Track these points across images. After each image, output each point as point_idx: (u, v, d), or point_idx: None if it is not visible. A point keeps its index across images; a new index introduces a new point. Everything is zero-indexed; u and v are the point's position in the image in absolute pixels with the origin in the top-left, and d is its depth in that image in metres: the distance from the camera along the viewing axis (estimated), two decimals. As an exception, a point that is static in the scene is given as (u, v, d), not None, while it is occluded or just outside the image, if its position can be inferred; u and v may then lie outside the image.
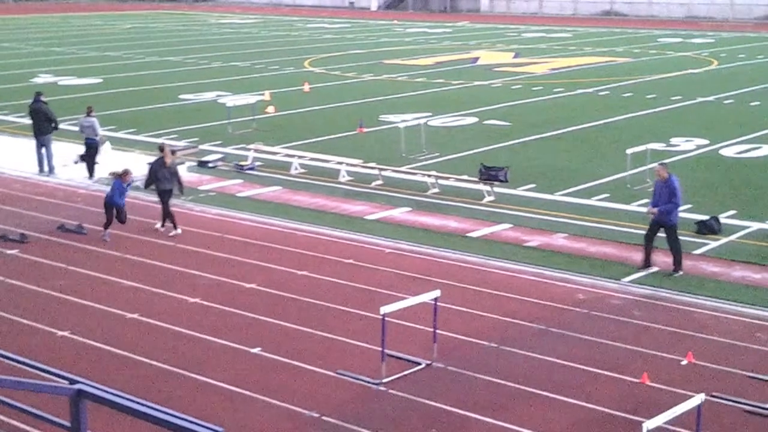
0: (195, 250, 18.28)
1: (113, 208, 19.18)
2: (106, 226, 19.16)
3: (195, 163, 25.75)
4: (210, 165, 25.66)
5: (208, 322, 14.65)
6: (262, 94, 35.72)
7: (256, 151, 26.23)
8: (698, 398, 9.83)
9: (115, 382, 11.90)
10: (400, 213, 21.13)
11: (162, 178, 19.60)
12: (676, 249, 17.00)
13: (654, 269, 17.00)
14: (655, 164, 24.09)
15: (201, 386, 12.43)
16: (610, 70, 46.39)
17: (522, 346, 13.70)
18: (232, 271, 17.05)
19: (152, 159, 21.19)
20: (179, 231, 19.38)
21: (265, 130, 30.22)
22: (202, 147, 27.92)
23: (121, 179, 19.32)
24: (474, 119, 32.51)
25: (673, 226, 16.99)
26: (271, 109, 33.84)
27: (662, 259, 17.22)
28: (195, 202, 22.02)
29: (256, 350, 13.57)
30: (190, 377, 12.68)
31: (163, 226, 19.61)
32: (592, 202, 21.73)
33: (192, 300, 15.64)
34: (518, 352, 13.48)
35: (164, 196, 19.55)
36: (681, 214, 20.26)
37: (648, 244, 17.14)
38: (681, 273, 16.81)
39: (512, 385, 12.43)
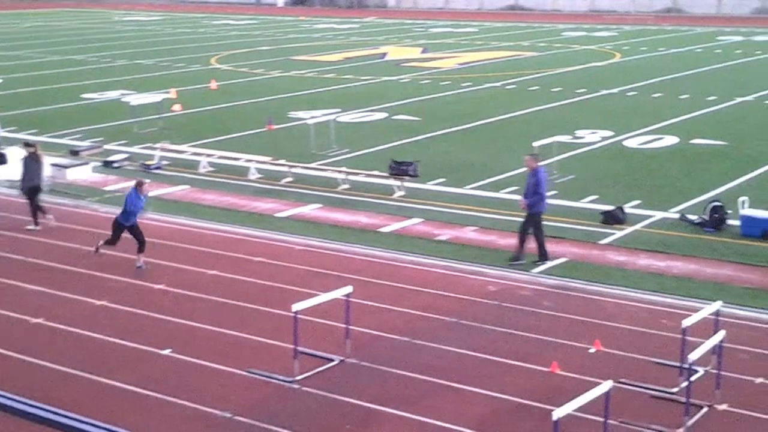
0: (100, 251, 17.87)
1: (123, 229, 17.13)
2: (109, 243, 17.30)
3: (100, 164, 25.26)
4: (115, 165, 25.21)
5: (116, 325, 14.36)
6: (168, 92, 35.21)
7: (162, 150, 25.85)
8: (606, 385, 9.99)
9: (19, 388, 11.60)
10: (310, 210, 21.04)
11: (34, 175, 19.50)
12: (522, 235, 17.14)
13: (559, 260, 17.25)
14: (561, 156, 24.56)
15: (109, 390, 12.16)
16: (516, 64, 46.97)
17: (434, 339, 13.76)
18: (139, 272, 16.76)
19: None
20: (39, 228, 19.27)
21: (172, 129, 29.80)
22: (106, 147, 27.42)
23: (137, 191, 17.03)
24: (383, 114, 32.58)
25: (533, 215, 17.11)
26: (177, 107, 33.39)
27: (569, 249, 17.48)
28: (101, 203, 21.59)
29: (166, 351, 13.35)
30: (98, 381, 12.39)
31: (36, 223, 19.41)
32: (500, 194, 21.94)
33: (98, 302, 15.31)
34: (430, 346, 13.54)
35: (35, 192, 19.47)
36: (587, 205, 20.71)
37: (537, 235, 17.19)
38: (521, 261, 17.00)
39: (425, 378, 12.48)
